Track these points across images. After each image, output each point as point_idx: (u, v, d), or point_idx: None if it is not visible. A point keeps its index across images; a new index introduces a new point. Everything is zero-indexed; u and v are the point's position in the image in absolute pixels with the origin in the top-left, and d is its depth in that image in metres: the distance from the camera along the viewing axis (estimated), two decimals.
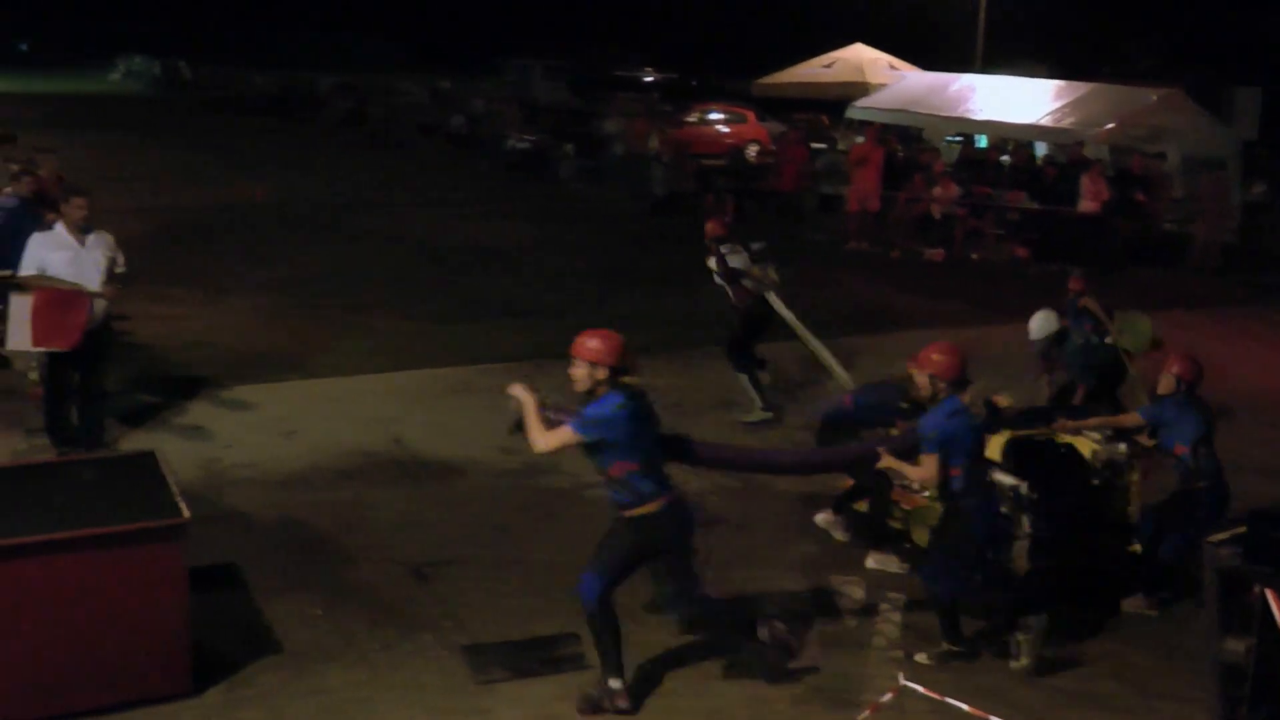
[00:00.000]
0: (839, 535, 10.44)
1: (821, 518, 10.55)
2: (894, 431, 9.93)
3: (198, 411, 13.06)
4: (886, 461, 8.52)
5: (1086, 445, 9.72)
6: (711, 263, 13.73)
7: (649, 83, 59.18)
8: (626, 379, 7.48)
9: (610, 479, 7.52)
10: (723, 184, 28.25)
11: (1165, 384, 9.47)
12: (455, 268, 21.03)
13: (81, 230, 11.17)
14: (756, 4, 79.54)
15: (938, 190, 24.65)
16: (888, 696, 7.80)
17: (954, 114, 28.77)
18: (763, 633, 8.09)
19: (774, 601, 9.12)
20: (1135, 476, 9.79)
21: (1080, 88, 27.45)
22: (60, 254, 11.02)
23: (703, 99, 44.59)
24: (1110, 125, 25.26)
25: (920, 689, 7.75)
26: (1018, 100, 27.68)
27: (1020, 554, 9.31)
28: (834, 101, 35.92)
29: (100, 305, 11.20)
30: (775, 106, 40.77)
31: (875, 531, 10.20)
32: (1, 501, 7.71)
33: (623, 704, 7.68)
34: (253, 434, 12.50)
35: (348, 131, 44.63)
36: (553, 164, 33.70)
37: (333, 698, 7.82)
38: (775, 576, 9.70)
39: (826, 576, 9.80)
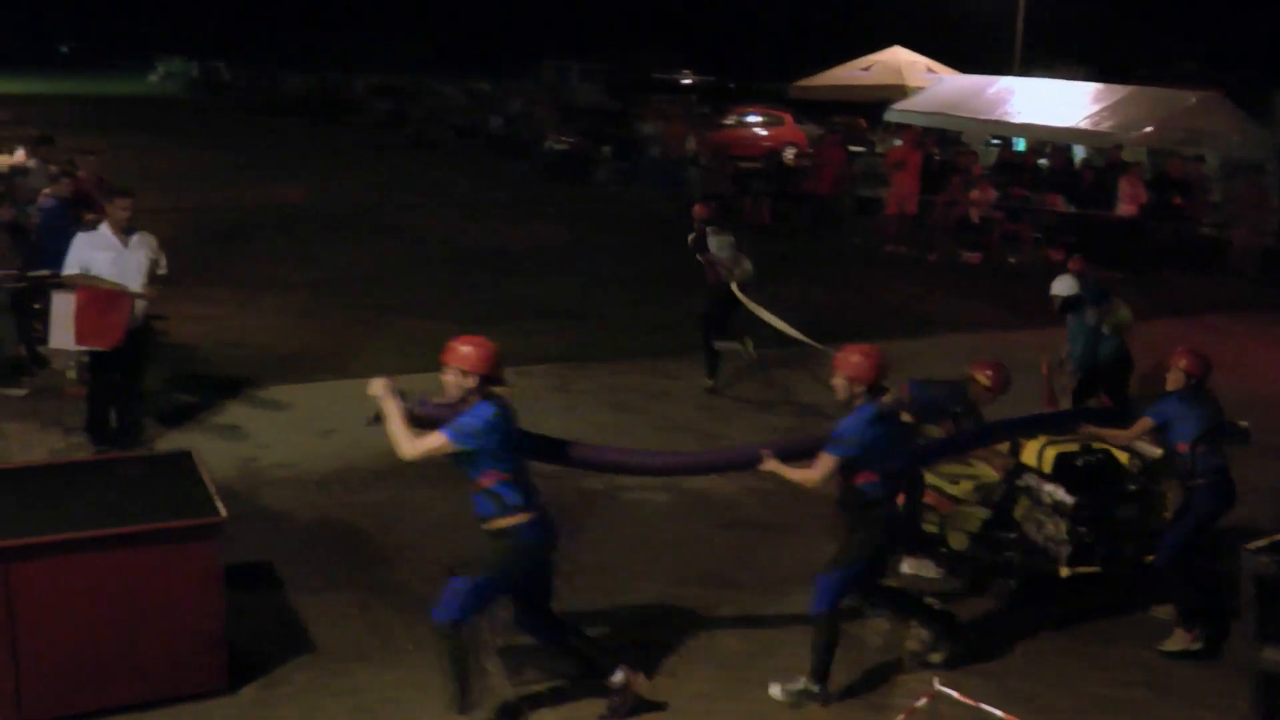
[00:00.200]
0: (932, 574, 10.11)
1: (908, 565, 10.23)
2: (937, 432, 9.92)
3: (235, 411, 13.12)
4: (768, 465, 8.02)
5: (1125, 453, 9.67)
6: (691, 239, 14.89)
7: (686, 85, 59.20)
8: (495, 389, 7.29)
9: (479, 489, 7.28)
10: (760, 187, 28.20)
11: (1173, 380, 9.14)
12: (491, 269, 21.06)
13: (125, 231, 11.24)
14: (794, 7, 79.52)
15: (975, 193, 24.60)
16: (922, 701, 7.77)
17: (992, 117, 28.69)
18: (617, 679, 7.76)
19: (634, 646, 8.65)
20: (1170, 483, 9.73)
21: (1118, 90, 27.31)
22: (104, 254, 11.09)
23: (740, 101, 44.48)
24: (1148, 128, 25.09)
25: (954, 694, 7.72)
26: (1055, 103, 27.55)
27: (1060, 561, 9.29)
28: (872, 104, 35.88)
29: (141, 306, 11.28)
30: (813, 109, 40.64)
31: (910, 536, 10.15)
32: (40, 499, 7.79)
33: None
34: (289, 434, 12.56)
35: (385, 133, 44.81)
36: (590, 166, 33.74)
37: (367, 697, 7.84)
38: (810, 581, 9.66)
39: None
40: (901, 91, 34.89)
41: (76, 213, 13.98)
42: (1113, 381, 12.67)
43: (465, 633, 7.42)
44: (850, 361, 7.88)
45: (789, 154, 28.97)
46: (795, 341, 13.89)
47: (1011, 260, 23.80)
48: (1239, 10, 53.15)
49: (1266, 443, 11.11)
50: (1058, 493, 9.35)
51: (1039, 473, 9.54)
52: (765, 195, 27.63)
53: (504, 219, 26.41)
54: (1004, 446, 9.93)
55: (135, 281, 11.14)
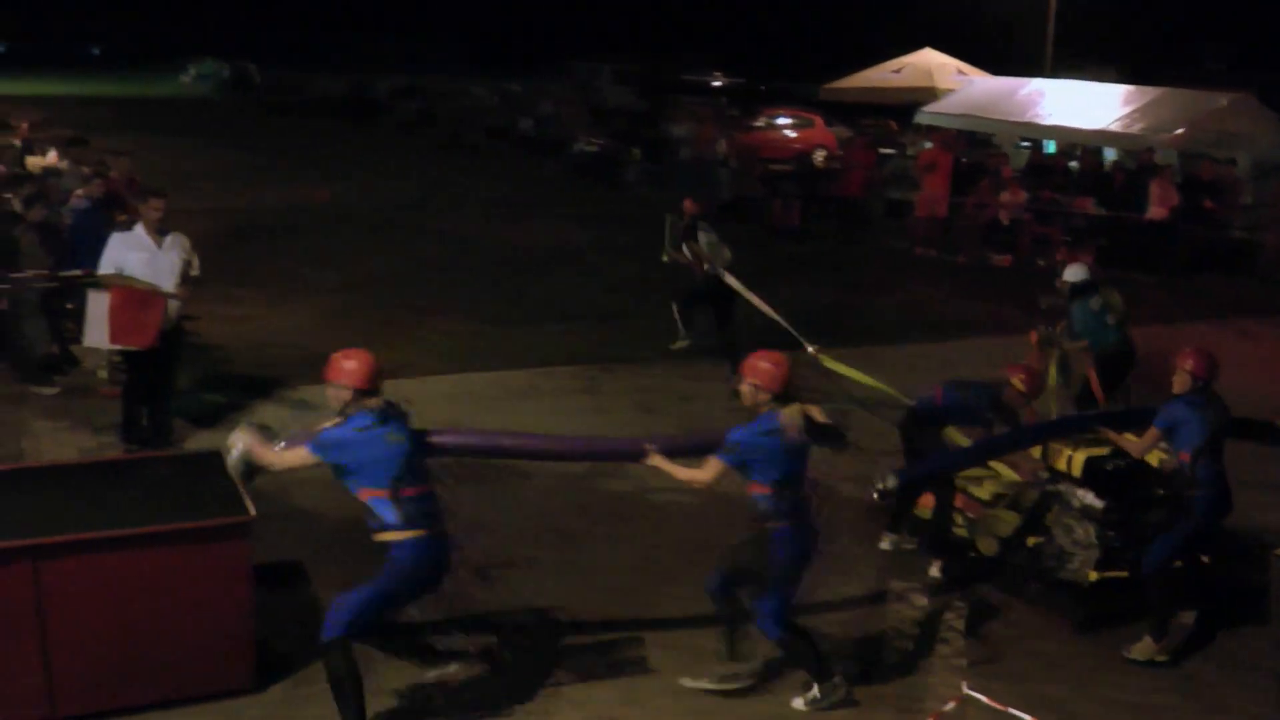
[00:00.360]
0: (907, 546, 10.37)
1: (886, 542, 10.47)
2: (959, 436, 9.93)
3: (265, 411, 13.14)
4: (653, 460, 7.94)
5: (1155, 455, 9.63)
6: (678, 228, 15.88)
7: (717, 87, 59.20)
8: (373, 400, 7.37)
9: (360, 503, 7.31)
10: (789, 189, 28.16)
11: (1179, 382, 8.84)
12: (521, 271, 21.10)
13: (159, 232, 11.32)
14: (825, 8, 79.46)
15: (1005, 196, 24.51)
16: (950, 705, 7.77)
17: (1022, 119, 28.57)
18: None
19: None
20: None
21: (1149, 92, 27.16)
22: (138, 254, 11.17)
23: (770, 103, 44.44)
24: (1179, 130, 24.95)
25: (983, 698, 7.72)
26: (1086, 105, 27.42)
27: (1087, 566, 9.26)
28: (902, 106, 35.80)
29: (174, 306, 11.34)
30: (843, 111, 40.62)
31: (939, 540, 10.15)
32: (71, 497, 7.85)
33: None
34: None
35: (415, 134, 44.88)
36: (619, 168, 33.74)
37: (394, 697, 7.87)
38: (839, 583, 9.66)
39: (889, 583, 9.78)
40: (932, 94, 34.79)
41: (108, 214, 14.08)
42: (1114, 372, 12.66)
43: (352, 651, 7.31)
44: (758, 368, 7.72)
45: (819, 156, 28.92)
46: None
47: (1040, 263, 23.68)
48: (1270, 11, 52.79)
49: None
50: (1087, 497, 9.32)
51: (1069, 477, 9.52)
52: (795, 197, 27.58)
53: (533, 220, 26.44)
54: (1035, 451, 9.90)
55: (168, 282, 11.22)
